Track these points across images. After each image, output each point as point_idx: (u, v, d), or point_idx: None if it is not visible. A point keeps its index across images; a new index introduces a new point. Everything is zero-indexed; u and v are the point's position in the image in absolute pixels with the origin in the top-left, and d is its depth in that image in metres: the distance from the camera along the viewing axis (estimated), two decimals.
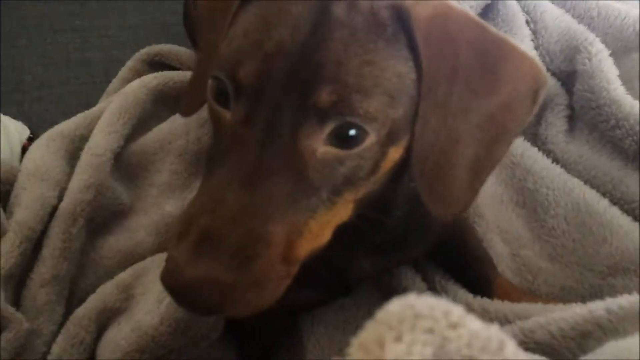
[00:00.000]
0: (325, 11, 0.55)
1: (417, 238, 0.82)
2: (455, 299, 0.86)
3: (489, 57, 0.59)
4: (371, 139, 0.55)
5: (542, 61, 1.11)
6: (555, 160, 1.04)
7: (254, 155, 0.53)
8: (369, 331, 0.30)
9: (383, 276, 0.91)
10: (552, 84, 1.09)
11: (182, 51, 1.22)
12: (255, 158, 0.53)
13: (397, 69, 0.56)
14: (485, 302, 0.84)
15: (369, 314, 0.86)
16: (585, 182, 0.99)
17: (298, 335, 0.88)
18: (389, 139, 0.57)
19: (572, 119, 1.09)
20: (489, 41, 0.60)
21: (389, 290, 0.90)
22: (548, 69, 1.11)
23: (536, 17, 1.13)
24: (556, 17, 1.13)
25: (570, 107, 1.09)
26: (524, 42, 1.10)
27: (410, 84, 0.57)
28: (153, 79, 1.07)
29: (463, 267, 0.91)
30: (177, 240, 0.52)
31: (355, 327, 0.88)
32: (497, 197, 1.00)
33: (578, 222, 0.95)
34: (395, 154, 0.59)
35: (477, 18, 0.61)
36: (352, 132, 0.54)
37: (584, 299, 0.89)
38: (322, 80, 0.53)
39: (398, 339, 0.28)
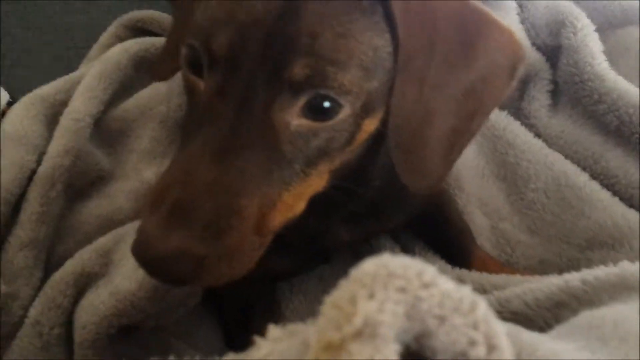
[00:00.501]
0: None
1: (395, 208, 0.83)
2: None
3: (468, 30, 0.59)
4: (345, 112, 0.55)
5: (527, 35, 1.10)
6: (537, 134, 1.04)
7: (228, 127, 0.53)
8: (343, 289, 0.30)
9: (362, 246, 0.91)
10: (536, 58, 1.09)
11: (164, 17, 1.20)
12: (229, 130, 0.53)
13: (373, 41, 0.56)
14: (462, 272, 0.85)
15: None
16: (566, 156, 0.99)
17: (276, 303, 0.88)
18: (363, 111, 0.57)
19: (556, 93, 1.08)
20: (468, 14, 0.60)
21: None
22: (533, 43, 1.10)
23: None
24: None
25: (554, 81, 1.08)
26: (509, 15, 1.10)
27: (386, 57, 0.57)
28: (134, 44, 1.05)
29: (443, 238, 0.92)
30: (149, 211, 0.52)
31: None
32: (478, 170, 1.00)
33: (558, 196, 0.95)
34: (370, 125, 0.59)
35: None
36: (326, 104, 0.54)
37: (562, 272, 0.89)
38: (296, 53, 0.52)
39: (370, 296, 0.28)
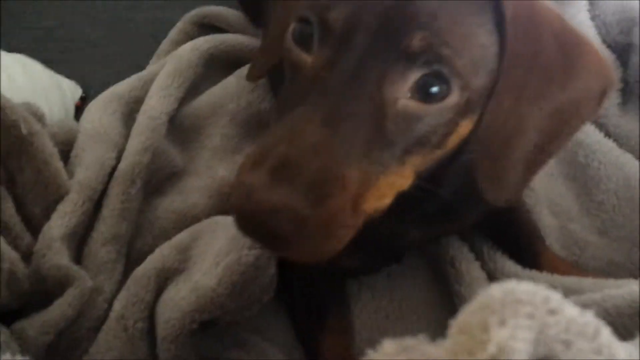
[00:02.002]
0: None
1: (468, 209, 0.83)
2: (503, 271, 0.87)
3: (568, 49, 0.60)
4: (453, 98, 0.55)
5: (598, 33, 1.09)
6: (608, 134, 1.03)
7: (337, 97, 0.53)
8: (470, 315, 0.31)
9: (430, 245, 0.92)
10: (607, 56, 1.07)
11: (231, 13, 1.22)
12: (338, 100, 0.53)
13: (482, 39, 0.57)
14: (534, 274, 0.85)
15: (414, 281, 0.88)
16: (637, 157, 0.98)
17: (346, 300, 0.89)
18: (465, 108, 0.57)
19: (626, 92, 1.07)
20: (569, 34, 0.61)
21: (435, 259, 0.91)
22: (604, 41, 1.09)
23: None
24: None
25: (625, 80, 1.07)
26: (580, 13, 1.08)
27: (492, 58, 0.58)
28: (204, 42, 1.08)
29: (511, 238, 0.91)
30: (251, 167, 0.51)
31: (401, 294, 0.90)
32: (547, 169, 1.00)
33: (628, 197, 0.95)
34: (465, 128, 0.60)
35: (558, 12, 0.62)
36: (436, 88, 0.55)
37: (631, 274, 0.90)
38: (415, 26, 0.54)
39: (502, 323, 0.29)
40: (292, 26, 0.59)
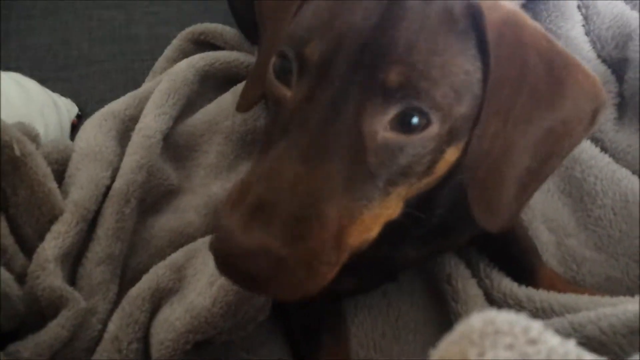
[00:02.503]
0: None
1: (463, 226, 0.83)
2: (499, 288, 0.87)
3: (556, 70, 0.59)
4: (433, 129, 0.55)
5: (593, 47, 1.09)
6: (604, 149, 1.03)
7: (315, 132, 0.53)
8: (450, 345, 0.31)
9: (427, 262, 0.92)
10: (602, 71, 1.08)
11: (227, 30, 1.22)
12: (316, 135, 0.53)
13: (465, 65, 0.56)
14: (530, 291, 0.84)
15: (411, 298, 0.88)
16: (634, 172, 0.98)
17: (342, 318, 0.89)
18: (449, 136, 0.57)
19: (622, 107, 1.07)
20: (556, 54, 0.60)
21: (432, 276, 0.91)
22: (599, 56, 1.09)
23: (588, 3, 1.11)
24: (608, 3, 1.10)
25: (620, 95, 1.07)
26: (575, 27, 1.09)
27: (476, 84, 0.57)
28: (200, 59, 1.08)
29: (508, 255, 0.91)
30: (230, 208, 0.51)
31: (397, 312, 0.90)
32: (543, 185, 1.00)
33: (625, 212, 0.94)
34: (452, 155, 0.59)
35: (546, 32, 0.61)
36: (415, 119, 0.54)
37: (629, 290, 0.89)
38: (391, 61, 0.53)
39: (481, 355, 0.29)
40: (273, 60, 0.59)
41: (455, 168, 0.61)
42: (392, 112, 0.54)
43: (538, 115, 0.59)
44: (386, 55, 0.53)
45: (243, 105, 0.74)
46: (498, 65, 0.57)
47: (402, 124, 0.54)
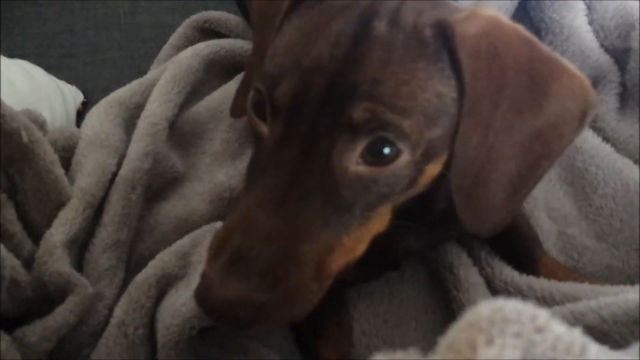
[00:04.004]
0: (366, 27, 0.55)
1: None
2: (500, 276, 0.87)
3: (538, 76, 0.58)
4: (404, 158, 0.55)
5: (596, 37, 1.09)
6: (606, 138, 1.03)
7: (289, 175, 0.54)
8: (459, 333, 0.32)
9: (429, 251, 0.92)
10: (605, 61, 1.08)
11: (232, 18, 1.22)
12: (290, 179, 0.54)
13: (437, 88, 0.56)
14: (531, 280, 0.85)
15: (413, 287, 0.89)
16: (635, 162, 0.99)
17: (345, 306, 0.90)
18: (425, 157, 0.57)
19: (624, 97, 1.08)
20: (538, 60, 0.59)
21: (434, 265, 0.92)
22: (602, 45, 1.09)
23: None
24: None
25: (623, 84, 1.07)
26: (578, 17, 1.08)
27: (451, 103, 0.57)
28: (205, 47, 1.08)
29: (509, 244, 0.92)
30: (212, 258, 0.54)
31: (399, 300, 0.91)
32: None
33: (626, 202, 0.95)
34: (433, 170, 0.59)
35: (527, 34, 0.60)
36: (386, 150, 0.54)
37: (629, 279, 0.90)
38: (357, 97, 0.53)
39: (489, 342, 0.30)
40: (251, 94, 0.60)
41: (446, 170, 0.61)
42: (360, 146, 0.54)
43: (521, 123, 0.58)
44: (352, 92, 0.53)
45: (237, 111, 0.75)
46: (473, 82, 0.56)
47: (372, 156, 0.55)
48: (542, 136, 0.59)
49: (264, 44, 0.63)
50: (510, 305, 0.31)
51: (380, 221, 0.60)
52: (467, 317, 0.32)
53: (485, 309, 0.31)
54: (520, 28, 0.60)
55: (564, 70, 0.60)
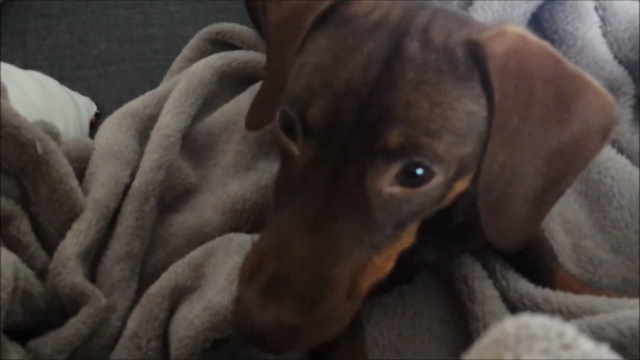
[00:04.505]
0: (398, 49, 0.55)
1: (479, 231, 0.83)
2: (515, 289, 0.87)
3: (564, 92, 0.58)
4: (438, 179, 0.55)
5: (610, 49, 1.09)
6: (621, 150, 1.03)
7: (321, 197, 0.54)
8: (484, 350, 0.31)
9: (443, 264, 0.92)
10: (619, 73, 1.08)
11: (244, 30, 1.22)
12: (322, 201, 0.54)
13: (468, 107, 0.55)
14: (547, 292, 0.84)
15: (427, 299, 0.88)
16: None
17: (358, 318, 0.89)
18: (456, 176, 0.57)
19: (638, 108, 1.07)
20: (564, 76, 0.59)
21: (448, 277, 0.91)
22: (616, 57, 1.09)
23: (605, 4, 1.11)
24: (625, 4, 1.10)
25: (637, 96, 1.07)
26: (592, 29, 1.08)
27: (481, 121, 0.57)
28: (218, 59, 1.09)
29: (524, 256, 0.91)
30: (247, 281, 0.54)
31: (413, 312, 0.90)
32: None
33: None
34: (461, 186, 0.60)
35: (553, 50, 0.60)
36: (419, 171, 0.54)
37: None
38: (391, 122, 0.53)
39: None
40: (279, 113, 0.59)
41: (472, 185, 0.61)
42: (395, 169, 0.54)
43: (546, 138, 0.58)
44: (385, 117, 0.53)
45: (252, 125, 0.74)
46: (503, 100, 0.56)
47: (406, 178, 0.55)
48: (566, 152, 0.59)
49: (283, 60, 0.63)
50: (536, 322, 0.31)
51: (408, 238, 0.60)
52: (493, 334, 0.31)
53: (511, 325, 0.31)
54: (546, 44, 0.60)
55: (589, 87, 0.60)
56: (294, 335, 0.52)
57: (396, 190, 0.55)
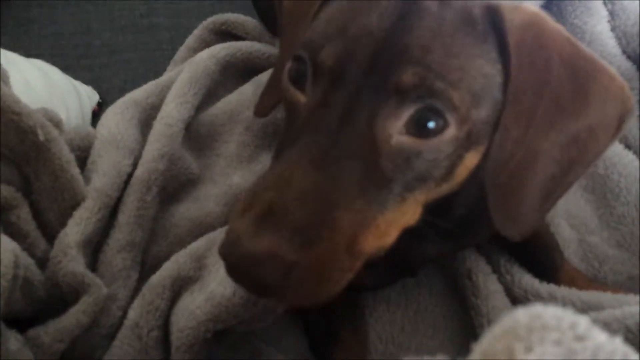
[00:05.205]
0: (416, 1, 0.55)
1: (484, 223, 0.82)
2: (520, 284, 0.86)
3: (580, 75, 0.58)
4: (450, 132, 0.53)
5: (618, 43, 1.08)
6: (628, 146, 1.02)
7: (328, 137, 0.52)
8: (495, 340, 0.30)
9: (447, 257, 0.91)
10: (627, 67, 1.07)
11: (248, 21, 1.22)
12: (329, 140, 0.52)
13: (484, 69, 0.55)
14: (552, 288, 0.84)
15: (430, 293, 0.88)
16: None
17: (361, 312, 0.89)
18: (467, 141, 0.55)
19: None
20: (581, 58, 0.58)
21: (452, 271, 0.91)
22: (624, 52, 1.08)
23: None
24: None
25: None
26: (600, 23, 1.08)
27: (496, 87, 0.56)
28: (221, 49, 1.08)
29: (529, 251, 0.90)
30: (241, 213, 0.50)
31: (416, 306, 0.90)
32: None
33: None
34: (472, 159, 0.58)
35: (569, 35, 0.59)
36: (432, 123, 0.53)
37: None
38: (407, 61, 0.52)
39: (529, 350, 0.29)
40: (289, 65, 0.58)
41: (476, 171, 0.60)
42: (407, 114, 0.53)
43: (562, 122, 0.57)
44: (400, 57, 0.52)
45: (261, 110, 0.74)
46: (519, 69, 0.55)
47: (417, 128, 0.53)
48: (580, 139, 0.58)
49: (296, 42, 0.62)
50: (549, 312, 0.30)
51: (413, 210, 0.57)
52: (504, 324, 0.30)
53: (523, 315, 0.30)
54: (562, 27, 0.59)
55: (604, 71, 0.59)
56: (285, 273, 0.47)
57: (406, 139, 0.53)
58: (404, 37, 0.53)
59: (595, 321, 0.67)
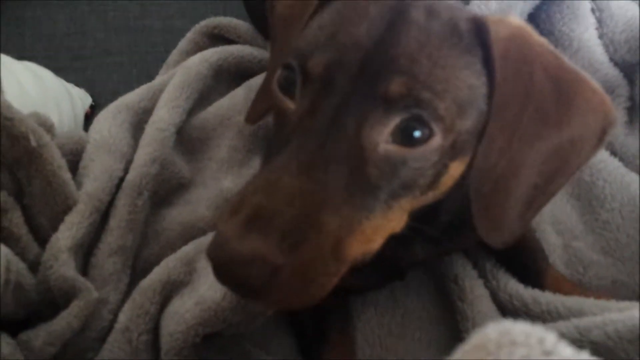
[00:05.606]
0: (404, 13, 0.56)
1: (469, 230, 0.83)
2: (505, 289, 0.87)
3: (563, 87, 0.59)
4: (436, 141, 0.55)
5: (606, 50, 1.09)
6: (614, 152, 1.03)
7: (316, 143, 0.53)
8: (465, 355, 0.31)
9: (434, 262, 0.92)
10: (614, 75, 1.08)
11: (241, 24, 1.22)
12: (317, 146, 0.53)
13: (469, 80, 0.56)
14: (536, 293, 0.85)
15: (417, 297, 0.89)
16: None
17: (349, 315, 0.90)
18: (453, 150, 0.57)
19: (633, 111, 1.07)
20: (564, 71, 0.60)
21: (439, 275, 0.92)
22: (611, 59, 1.09)
23: (602, 6, 1.11)
24: (622, 6, 1.10)
25: (631, 98, 1.07)
26: (588, 31, 1.08)
27: (481, 99, 0.57)
28: (214, 53, 1.09)
29: (514, 256, 0.91)
30: (229, 216, 0.51)
31: (404, 310, 0.91)
32: None
33: (633, 217, 0.95)
34: (456, 169, 0.59)
35: (553, 48, 0.61)
36: (417, 132, 0.54)
37: (635, 293, 0.90)
38: (394, 72, 0.53)
39: None
40: (278, 73, 0.59)
41: (461, 180, 0.61)
42: (393, 123, 0.54)
43: (545, 133, 0.59)
44: (388, 67, 0.54)
45: (252, 117, 0.75)
46: (504, 81, 0.57)
47: (403, 136, 0.54)
48: (562, 150, 0.60)
49: (288, 48, 0.63)
50: (518, 328, 0.31)
51: (399, 217, 0.59)
52: (474, 339, 0.32)
53: (492, 331, 0.31)
54: (546, 40, 0.61)
55: (587, 85, 0.61)
56: (271, 275, 0.48)
57: (392, 147, 0.54)
58: (392, 48, 0.54)
59: (576, 327, 0.70)
